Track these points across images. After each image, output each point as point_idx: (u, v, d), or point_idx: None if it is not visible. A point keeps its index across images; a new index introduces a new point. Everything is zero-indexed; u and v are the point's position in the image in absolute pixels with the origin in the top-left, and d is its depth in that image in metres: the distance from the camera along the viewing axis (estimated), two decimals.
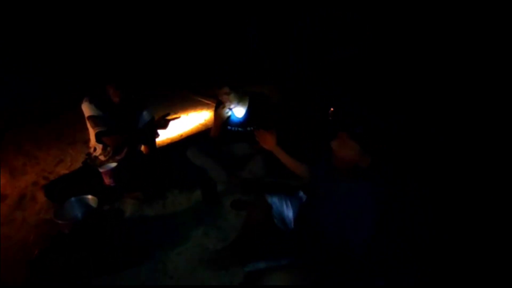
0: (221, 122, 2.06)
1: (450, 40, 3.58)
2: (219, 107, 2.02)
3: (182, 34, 6.41)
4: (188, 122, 3.54)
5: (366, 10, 4.16)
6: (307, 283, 1.02)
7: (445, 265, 1.31)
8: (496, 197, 1.72)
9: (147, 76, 5.29)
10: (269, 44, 5.38)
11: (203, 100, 4.31)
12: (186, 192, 1.99)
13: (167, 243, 1.55)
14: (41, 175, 2.45)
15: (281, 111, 3.13)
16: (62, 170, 2.51)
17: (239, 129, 2.11)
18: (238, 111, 2.06)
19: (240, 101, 2.01)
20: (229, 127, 2.13)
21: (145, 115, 2.05)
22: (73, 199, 1.62)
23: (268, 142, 1.57)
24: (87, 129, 1.90)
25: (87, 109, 1.79)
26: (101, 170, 1.81)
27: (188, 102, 4.32)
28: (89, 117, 1.80)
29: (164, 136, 2.99)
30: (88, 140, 2.02)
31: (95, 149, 1.96)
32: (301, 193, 1.47)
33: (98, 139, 1.84)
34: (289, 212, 1.39)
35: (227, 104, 1.98)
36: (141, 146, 2.20)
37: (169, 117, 2.02)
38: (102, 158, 1.96)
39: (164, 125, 1.99)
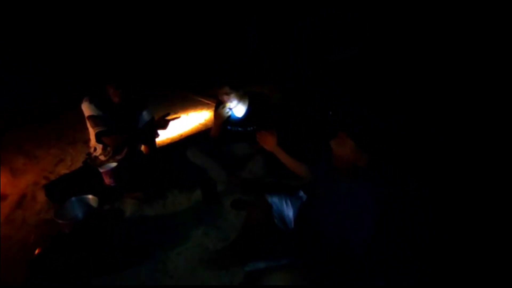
0: (221, 122, 2.06)
1: (450, 40, 3.58)
2: (219, 107, 2.02)
3: (182, 34, 6.41)
4: (188, 122, 3.54)
5: (366, 10, 4.16)
6: (307, 283, 1.02)
7: (445, 265, 1.31)
8: (496, 197, 1.72)
9: (147, 76, 5.29)
10: (269, 44, 5.38)
11: (203, 100, 4.31)
12: (186, 192, 1.99)
13: (167, 243, 1.55)
14: (41, 175, 2.46)
15: (281, 111, 3.13)
16: (63, 170, 2.51)
17: (239, 129, 2.11)
18: (238, 111, 2.06)
19: (240, 101, 2.01)
20: (229, 127, 2.13)
21: (145, 115, 2.05)
22: (73, 199, 1.62)
23: (269, 142, 1.57)
24: (87, 129, 1.90)
25: (87, 109, 1.79)
26: (101, 170, 1.81)
27: (188, 102, 4.32)
28: (89, 117, 1.80)
29: (164, 136, 2.99)
30: (88, 140, 2.02)
31: (95, 149, 1.96)
32: (301, 193, 1.47)
33: (98, 139, 1.84)
34: (289, 212, 1.39)
35: (227, 104, 1.98)
36: (141, 146, 2.20)
37: (169, 117, 2.02)
38: (102, 158, 1.96)
39: (164, 125, 1.99)
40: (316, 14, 4.63)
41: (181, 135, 3.13)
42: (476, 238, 1.46)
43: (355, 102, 3.35)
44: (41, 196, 2.02)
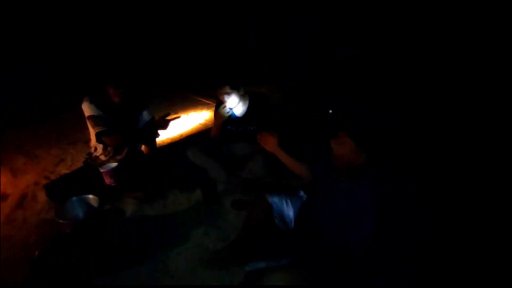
0: (222, 122, 2.06)
1: (450, 40, 3.58)
2: (219, 107, 2.02)
3: (182, 34, 6.41)
4: (188, 122, 3.54)
5: (366, 10, 4.16)
6: (307, 283, 1.02)
7: (445, 265, 1.31)
8: (496, 197, 1.72)
9: (147, 76, 5.29)
10: (269, 44, 5.38)
11: (203, 100, 4.32)
12: (186, 192, 1.99)
13: (167, 243, 1.55)
14: (42, 174, 2.46)
15: (281, 111, 3.13)
16: (63, 170, 2.51)
17: (239, 129, 2.12)
18: (238, 111, 2.07)
19: (240, 100, 2.01)
20: (229, 127, 2.13)
21: (145, 115, 2.06)
22: (74, 198, 1.62)
23: (270, 144, 1.57)
24: (87, 129, 1.90)
25: (87, 109, 1.79)
26: (101, 170, 1.81)
27: (188, 102, 4.32)
28: (89, 117, 1.80)
29: (165, 136, 2.99)
30: (89, 140, 2.02)
31: (96, 149, 1.97)
32: (302, 193, 1.47)
33: (98, 139, 1.84)
34: (289, 212, 1.39)
35: (227, 103, 1.98)
36: (141, 146, 2.20)
37: (169, 117, 2.02)
38: (103, 158, 1.96)
39: (165, 125, 1.99)
40: (316, 14, 4.63)
41: (181, 135, 3.13)
42: (476, 238, 1.46)
43: (355, 102, 3.35)
44: (42, 196, 2.02)
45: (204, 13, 5.97)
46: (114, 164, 1.86)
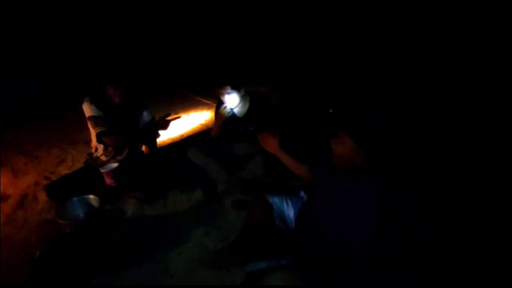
0: (222, 122, 2.06)
1: (450, 40, 3.58)
2: (220, 107, 2.02)
3: (182, 34, 6.41)
4: (188, 122, 3.54)
5: (366, 10, 4.16)
6: (307, 283, 1.02)
7: (445, 265, 1.31)
8: (496, 197, 1.72)
9: (147, 76, 5.29)
10: (269, 44, 5.38)
11: (203, 100, 4.32)
12: (186, 192, 1.99)
13: (168, 243, 1.55)
14: (42, 175, 2.46)
15: (281, 111, 3.13)
16: (64, 170, 2.51)
17: (240, 129, 2.12)
18: (238, 111, 2.07)
19: (241, 100, 2.01)
20: (229, 127, 2.13)
21: (146, 115, 2.06)
22: (74, 199, 1.62)
23: (271, 145, 1.57)
24: (88, 129, 1.90)
25: (87, 110, 1.79)
26: (102, 170, 1.81)
27: (188, 102, 4.32)
28: (90, 118, 1.80)
29: (165, 136, 2.99)
30: (90, 140, 2.03)
31: (96, 149, 1.97)
32: (302, 193, 1.47)
33: (98, 140, 1.85)
34: (290, 212, 1.39)
35: (228, 104, 1.98)
36: (142, 146, 2.20)
37: (169, 117, 2.02)
38: (103, 158, 1.96)
39: (165, 125, 2.00)
40: (316, 14, 4.63)
41: (182, 135, 3.13)
42: (475, 238, 1.46)
43: (355, 102, 3.36)
44: (43, 196, 2.02)
45: (204, 13, 5.97)
46: (115, 165, 1.87)
